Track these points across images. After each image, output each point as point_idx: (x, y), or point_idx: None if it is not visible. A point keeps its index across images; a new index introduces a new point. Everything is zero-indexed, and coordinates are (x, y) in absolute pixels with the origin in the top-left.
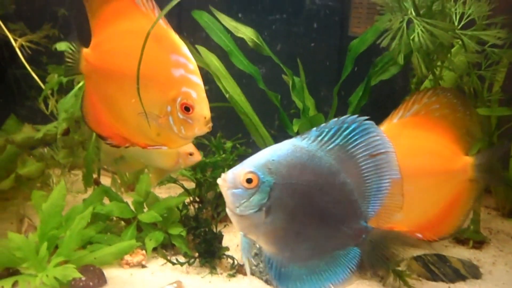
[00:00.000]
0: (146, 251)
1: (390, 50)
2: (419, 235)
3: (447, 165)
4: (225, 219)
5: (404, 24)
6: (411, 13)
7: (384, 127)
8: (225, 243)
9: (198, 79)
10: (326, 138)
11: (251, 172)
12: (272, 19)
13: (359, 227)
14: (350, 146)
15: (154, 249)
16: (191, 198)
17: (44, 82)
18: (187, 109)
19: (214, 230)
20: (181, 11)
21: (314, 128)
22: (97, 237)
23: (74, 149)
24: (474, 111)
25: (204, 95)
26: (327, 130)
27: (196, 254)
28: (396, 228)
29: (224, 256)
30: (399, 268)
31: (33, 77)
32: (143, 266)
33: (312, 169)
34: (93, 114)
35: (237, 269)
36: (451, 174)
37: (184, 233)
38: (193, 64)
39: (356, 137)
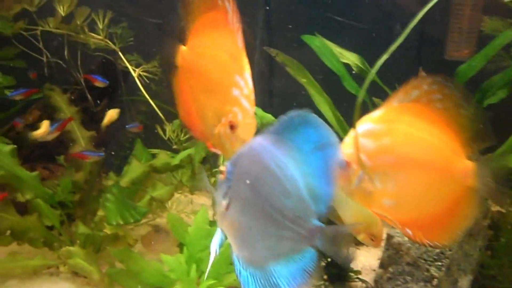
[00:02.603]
0: None
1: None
2: (409, 231)
3: (446, 164)
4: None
5: None
6: None
7: (383, 109)
8: (358, 266)
9: (248, 105)
10: (276, 133)
11: (225, 165)
12: (369, 44)
13: (311, 227)
14: (296, 139)
15: None
16: None
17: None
18: (232, 127)
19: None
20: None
21: (272, 123)
22: None
23: (196, 173)
24: (481, 110)
25: (249, 120)
26: (277, 125)
27: (325, 277)
28: (385, 216)
29: (357, 280)
30: None
31: (141, 104)
32: None
33: (262, 163)
34: (181, 103)
35: None
36: (449, 175)
37: None
38: (248, 89)
39: (300, 129)
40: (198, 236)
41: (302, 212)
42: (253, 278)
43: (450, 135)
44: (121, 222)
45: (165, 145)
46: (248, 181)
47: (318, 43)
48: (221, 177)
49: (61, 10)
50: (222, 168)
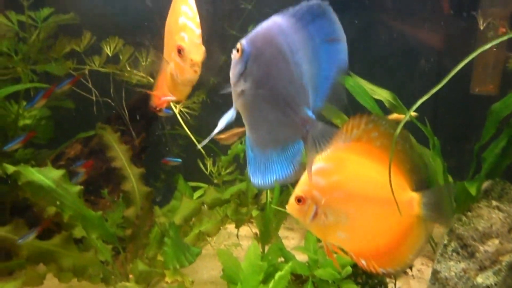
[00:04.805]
0: None
1: None
2: (363, 262)
3: (392, 197)
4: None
5: None
6: None
7: (331, 149)
8: None
9: (193, 25)
10: (294, 17)
11: (240, 43)
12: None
13: (304, 116)
14: (311, 27)
15: None
16: None
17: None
18: (179, 51)
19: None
20: None
21: (292, 7)
22: None
23: (240, 207)
24: (413, 144)
25: (196, 40)
26: (297, 10)
27: None
28: (341, 249)
29: None
30: None
31: (179, 138)
32: None
33: (277, 45)
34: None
35: None
36: (396, 206)
37: None
38: (192, 12)
39: (317, 19)
40: (252, 271)
41: (301, 100)
42: (255, 159)
43: (392, 170)
44: (177, 266)
45: (203, 178)
46: (262, 63)
47: (352, 82)
48: (236, 54)
49: (108, 50)
50: (238, 45)
